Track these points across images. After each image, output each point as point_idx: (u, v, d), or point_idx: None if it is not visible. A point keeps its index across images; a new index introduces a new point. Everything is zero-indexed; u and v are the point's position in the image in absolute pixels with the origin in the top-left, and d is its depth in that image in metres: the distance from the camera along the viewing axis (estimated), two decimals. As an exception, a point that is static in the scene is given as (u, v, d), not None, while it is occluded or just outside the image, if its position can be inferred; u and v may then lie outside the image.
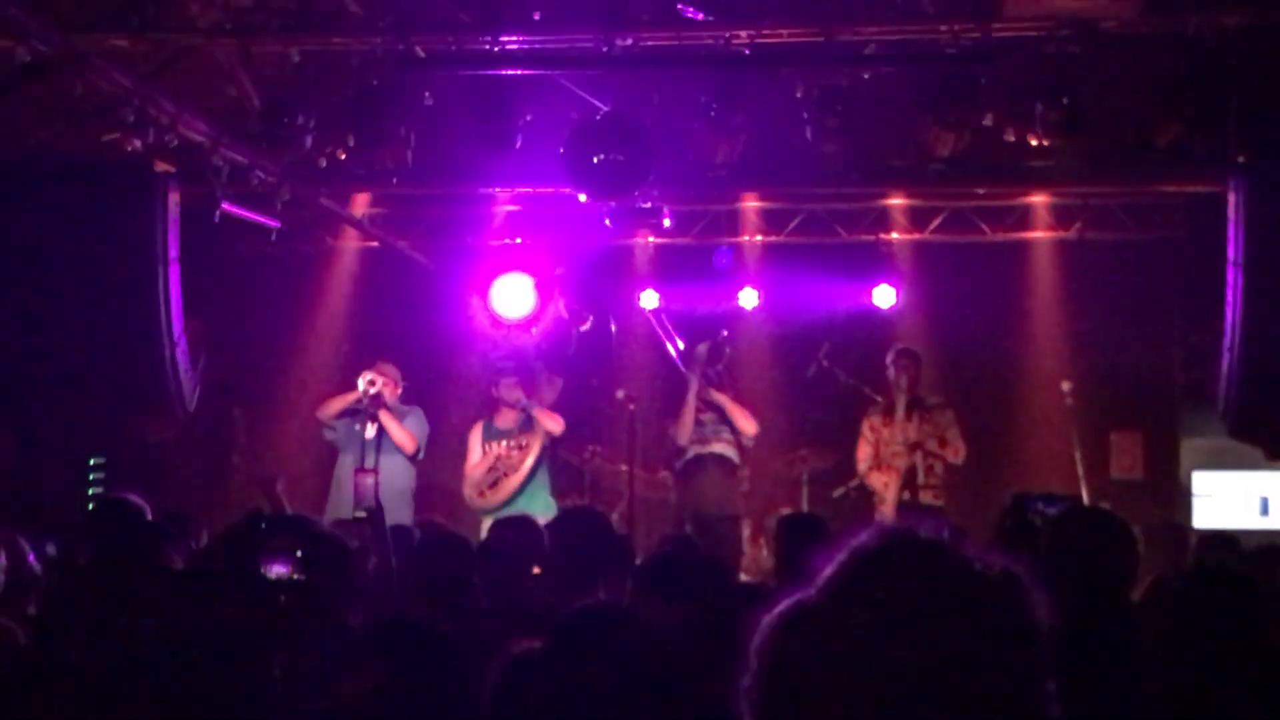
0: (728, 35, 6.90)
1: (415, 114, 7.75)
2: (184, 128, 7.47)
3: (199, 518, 7.44)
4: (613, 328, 10.49)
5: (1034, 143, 7.38)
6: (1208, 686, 3.09)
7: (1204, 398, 8.62)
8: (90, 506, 7.71)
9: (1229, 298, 7.26)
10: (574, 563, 4.77)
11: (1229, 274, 7.24)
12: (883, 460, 9.22)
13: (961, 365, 10.55)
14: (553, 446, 9.19)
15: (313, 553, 3.72)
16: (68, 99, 6.89)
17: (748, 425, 9.17)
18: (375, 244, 11.05)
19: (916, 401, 9.25)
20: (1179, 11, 6.57)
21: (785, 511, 9.09)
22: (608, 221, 9.37)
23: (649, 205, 9.17)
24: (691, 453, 9.17)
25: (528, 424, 9.05)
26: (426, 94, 7.65)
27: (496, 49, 7.03)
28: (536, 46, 7.10)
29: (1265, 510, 9.77)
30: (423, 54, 7.09)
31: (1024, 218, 10.64)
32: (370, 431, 8.54)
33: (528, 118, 7.54)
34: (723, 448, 9.16)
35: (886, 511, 8.99)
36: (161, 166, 7.56)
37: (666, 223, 9.94)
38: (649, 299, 10.50)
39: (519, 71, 7.31)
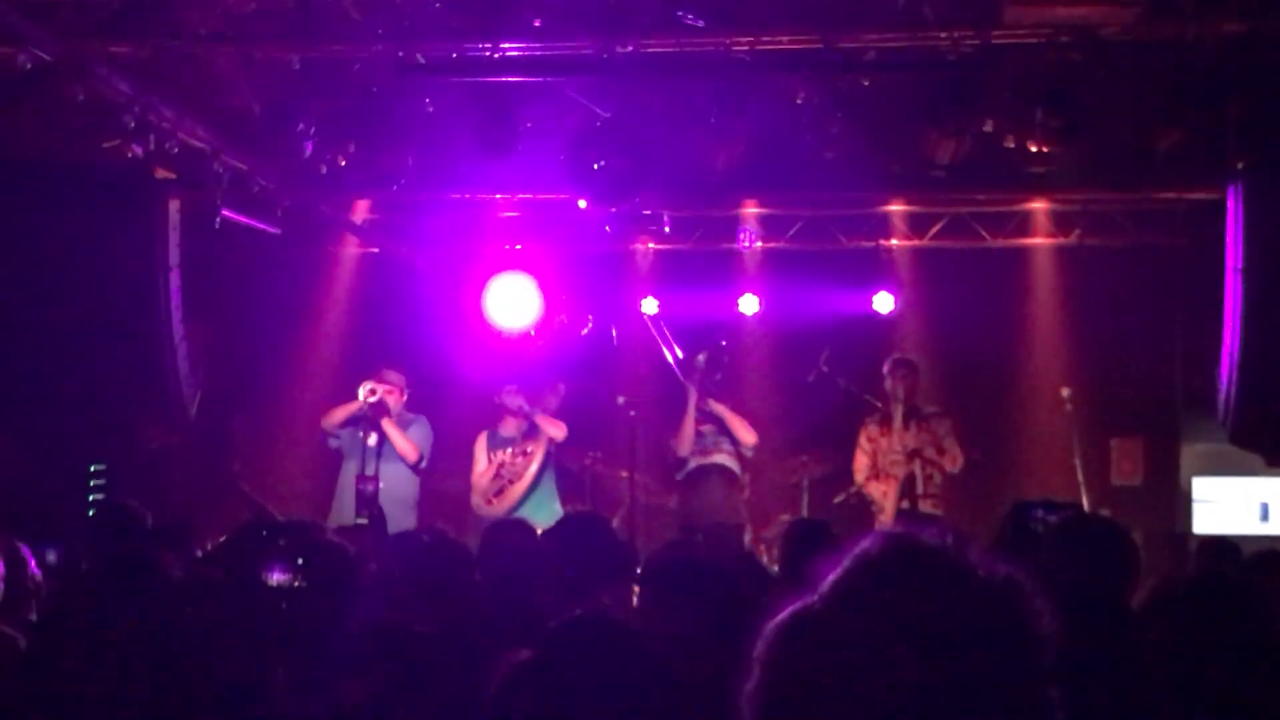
0: (728, 42, 6.91)
1: (416, 121, 7.76)
2: (185, 135, 7.49)
3: (199, 525, 7.42)
4: (613, 333, 10.49)
5: (1034, 149, 7.40)
6: (1208, 693, 3.09)
7: (1204, 403, 8.60)
8: (91, 514, 7.70)
9: (1229, 304, 7.27)
10: (576, 568, 4.76)
11: (1229, 280, 7.25)
12: (881, 469, 9.21)
13: (961, 371, 10.53)
14: (556, 453, 9.21)
15: (313, 560, 3.72)
16: (69, 106, 6.90)
17: (747, 436, 9.17)
18: (376, 250, 11.05)
19: (914, 410, 9.25)
20: (1179, 19, 6.57)
21: (786, 518, 9.08)
22: (608, 227, 9.38)
23: (649, 211, 9.18)
24: (693, 464, 9.17)
25: (531, 431, 9.07)
26: (427, 101, 7.67)
27: (497, 56, 7.04)
28: (537, 53, 7.10)
29: (1265, 516, 9.75)
30: (423, 61, 7.10)
31: (1024, 224, 10.64)
32: (372, 439, 8.54)
33: (528, 124, 7.55)
34: (724, 458, 9.16)
35: (886, 520, 8.96)
36: (162, 173, 7.58)
37: (666, 229, 9.96)
38: (649, 305, 10.50)
39: (519, 78, 7.32)
